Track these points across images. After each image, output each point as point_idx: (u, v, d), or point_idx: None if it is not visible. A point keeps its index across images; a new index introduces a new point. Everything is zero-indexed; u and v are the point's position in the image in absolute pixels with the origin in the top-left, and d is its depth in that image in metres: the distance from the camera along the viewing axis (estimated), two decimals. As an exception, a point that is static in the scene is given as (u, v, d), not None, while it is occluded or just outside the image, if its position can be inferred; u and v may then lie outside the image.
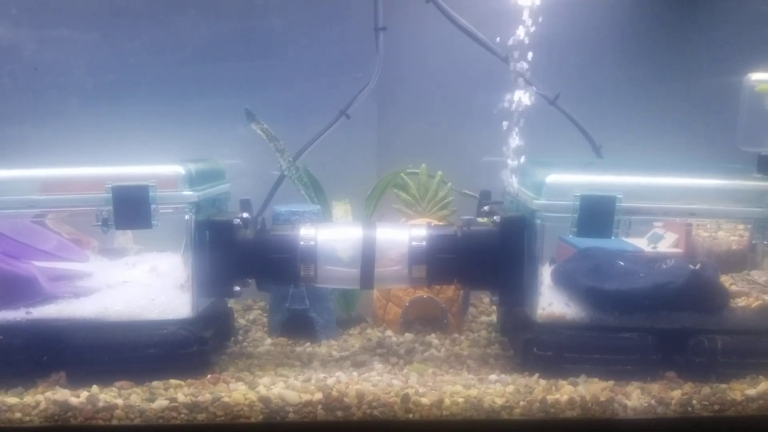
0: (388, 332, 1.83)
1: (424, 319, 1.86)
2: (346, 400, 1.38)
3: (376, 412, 1.38)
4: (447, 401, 1.39)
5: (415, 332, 1.83)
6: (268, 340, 1.80)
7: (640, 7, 2.17)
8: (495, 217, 1.60)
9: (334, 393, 1.38)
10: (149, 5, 2.03)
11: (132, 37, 2.02)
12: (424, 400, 1.39)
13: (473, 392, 1.42)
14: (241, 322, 1.94)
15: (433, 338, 1.79)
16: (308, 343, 1.78)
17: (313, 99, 2.08)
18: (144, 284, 1.66)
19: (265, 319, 1.97)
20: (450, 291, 1.83)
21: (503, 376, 1.53)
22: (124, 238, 1.83)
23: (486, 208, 1.71)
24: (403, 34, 2.04)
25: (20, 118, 2.00)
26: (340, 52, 2.06)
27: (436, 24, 1.96)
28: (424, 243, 1.58)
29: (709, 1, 2.19)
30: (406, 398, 1.38)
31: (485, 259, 1.58)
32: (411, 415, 1.38)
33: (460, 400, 1.39)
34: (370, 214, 1.94)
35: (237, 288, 1.61)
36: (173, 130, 1.99)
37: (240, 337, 1.83)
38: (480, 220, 1.65)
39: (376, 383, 1.47)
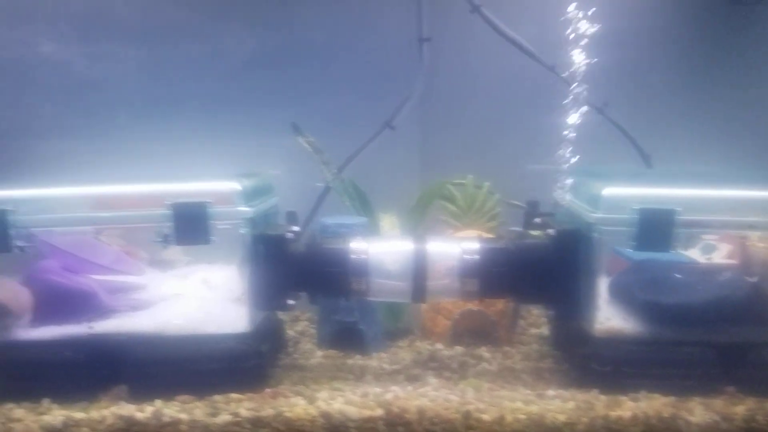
0: (438, 345, 1.82)
1: (474, 332, 1.85)
2: (407, 416, 1.37)
3: (437, 429, 1.37)
4: (508, 418, 1.38)
5: (465, 345, 1.82)
6: (319, 353, 1.80)
7: (691, 12, 2.15)
8: (549, 230, 1.60)
9: (395, 409, 1.38)
10: (195, 21, 2.06)
11: (178, 53, 2.06)
12: (485, 417, 1.38)
13: (534, 408, 1.41)
14: (290, 333, 1.95)
15: (484, 351, 1.78)
16: (358, 356, 1.79)
17: (356, 110, 2.09)
18: (197, 297, 1.67)
19: (312, 331, 1.97)
20: (500, 303, 1.83)
21: (561, 391, 1.52)
22: (173, 249, 1.86)
23: (537, 220, 1.71)
24: (447, 44, 2.05)
25: (72, 133, 2.04)
26: (384, 64, 2.07)
27: (481, 33, 1.96)
28: (477, 256, 1.58)
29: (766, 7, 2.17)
30: (467, 415, 1.38)
31: (539, 273, 1.57)
32: (472, 432, 1.40)
33: (522, 416, 1.38)
34: (415, 226, 1.95)
35: (290, 302, 1.63)
36: (219, 143, 2.00)
37: (290, 349, 1.83)
38: (532, 233, 1.65)
39: (433, 399, 1.46)
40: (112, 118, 2.06)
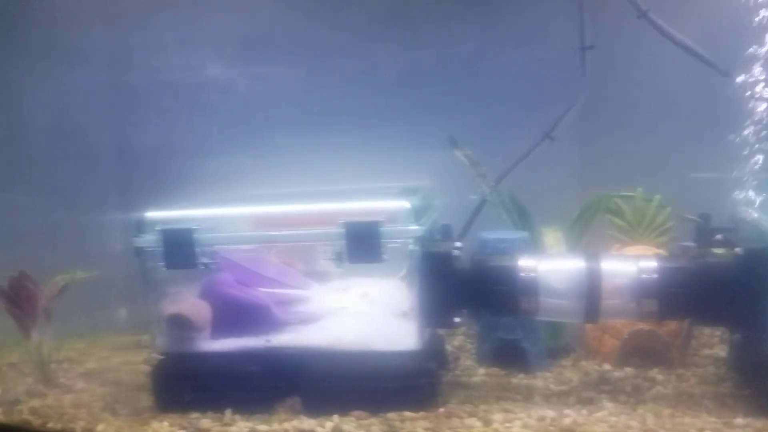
0: (606, 366, 1.75)
1: (644, 353, 1.77)
2: (590, 443, 1.34)
3: (622, 457, 1.33)
4: (700, 448, 1.32)
5: (635, 366, 1.74)
6: (481, 370, 1.78)
7: None
8: (737, 249, 1.50)
9: (577, 435, 1.35)
10: (350, 40, 2.11)
11: (334, 70, 2.11)
12: (675, 446, 1.33)
13: (726, 439, 1.34)
14: (448, 349, 1.92)
15: (657, 374, 1.70)
16: (521, 375, 1.75)
17: (512, 122, 2.07)
18: (360, 312, 1.71)
19: (470, 346, 1.95)
20: (673, 323, 1.73)
21: (751, 419, 1.41)
22: (326, 262, 1.91)
23: (719, 237, 1.61)
24: (610, 51, 1.96)
25: (235, 150, 2.14)
26: (541, 73, 2.03)
27: (647, 38, 1.87)
28: (655, 275, 1.51)
29: None
30: (655, 444, 1.32)
31: (724, 294, 1.47)
32: (661, 462, 1.33)
33: (715, 447, 1.31)
34: (576, 241, 1.89)
35: (457, 319, 1.62)
36: (373, 158, 2.02)
37: (451, 366, 1.81)
38: (715, 251, 1.55)
39: (613, 425, 1.41)
40: (272, 136, 2.14)
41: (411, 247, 1.53)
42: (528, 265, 1.55)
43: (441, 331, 1.86)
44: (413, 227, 1.52)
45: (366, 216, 1.52)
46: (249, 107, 2.15)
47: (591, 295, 1.52)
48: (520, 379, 1.72)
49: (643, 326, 1.74)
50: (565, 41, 1.93)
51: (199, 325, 1.62)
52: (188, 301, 1.62)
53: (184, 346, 1.62)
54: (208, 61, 2.16)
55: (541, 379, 1.72)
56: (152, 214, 1.62)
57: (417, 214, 1.55)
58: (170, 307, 1.63)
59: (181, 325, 1.62)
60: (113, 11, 2.10)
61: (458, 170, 1.91)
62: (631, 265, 1.52)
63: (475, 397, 1.61)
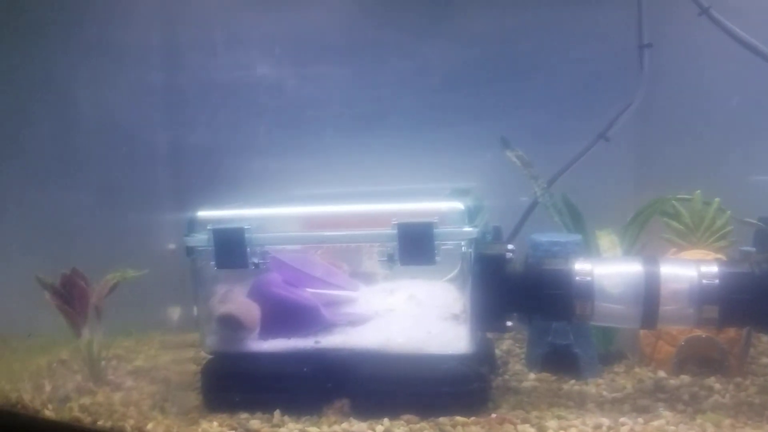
0: (660, 373, 1.70)
1: (700, 360, 1.71)
2: (650, 453, 1.30)
3: (683, 469, 1.29)
4: (767, 462, 1.27)
5: (691, 374, 1.69)
6: (531, 375, 1.74)
7: None
8: (804, 254, 1.45)
9: (637, 445, 1.31)
10: (400, 39, 2.09)
11: (383, 69, 2.09)
12: (740, 459, 1.28)
13: (794, 452, 1.29)
14: (496, 352, 1.90)
15: (714, 382, 1.64)
16: (573, 381, 1.71)
17: (565, 122, 2.02)
18: (410, 314, 1.69)
19: (518, 350, 1.92)
20: (731, 331, 1.68)
21: (818, 432, 1.38)
22: (371, 262, 1.89)
23: (784, 241, 1.56)
24: (669, 50, 1.92)
25: (283, 151, 2.13)
26: (596, 72, 1.99)
27: (708, 37, 1.83)
28: (717, 281, 1.46)
29: None
30: (719, 456, 1.28)
31: (790, 301, 1.44)
32: (724, 475, 1.28)
33: (783, 461, 1.27)
34: (631, 244, 1.84)
35: (509, 323, 1.59)
36: (423, 158, 2.01)
37: (500, 370, 1.79)
38: (781, 256, 1.50)
39: (672, 434, 1.38)
40: (321, 136, 2.14)
41: (464, 249, 1.50)
42: (584, 268, 1.51)
43: (490, 335, 1.86)
44: (467, 229, 1.50)
45: (419, 217, 1.50)
46: (298, 107, 2.14)
47: (648, 301, 1.47)
48: (571, 385, 1.68)
49: (700, 333, 1.69)
50: (623, 39, 1.90)
51: (249, 326, 1.61)
52: (238, 301, 1.62)
53: (234, 346, 1.62)
54: (257, 61, 2.16)
55: (594, 386, 1.67)
56: (203, 214, 1.63)
57: (471, 215, 1.52)
58: (220, 307, 1.63)
59: (231, 325, 1.62)
60: (166, 10, 2.11)
61: (508, 171, 1.87)
62: (691, 270, 1.47)
63: (526, 403, 1.58)
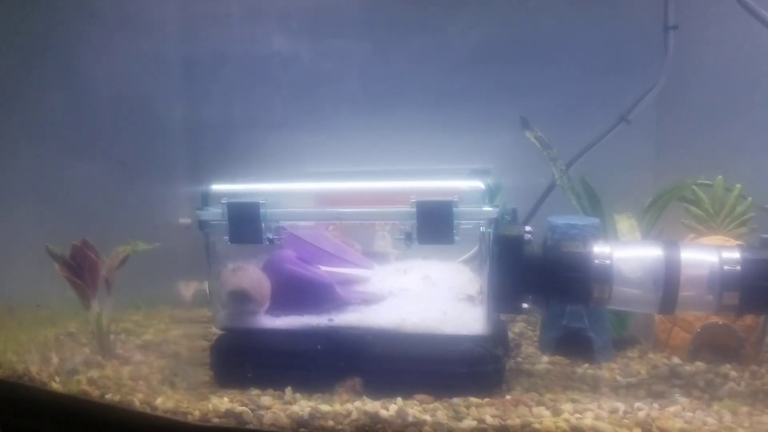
0: (675, 359, 1.68)
1: (716, 348, 1.69)
2: (668, 439, 1.29)
3: (702, 455, 1.28)
4: (786, 450, 1.26)
5: (706, 361, 1.67)
6: (544, 358, 1.73)
7: None
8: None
9: (655, 430, 1.28)
10: (420, 15, 2.04)
11: (402, 47, 2.05)
12: (759, 447, 1.27)
13: (815, 442, 1.27)
14: (509, 335, 1.90)
15: (729, 370, 1.62)
16: (587, 365, 1.69)
17: (586, 104, 1.99)
18: (424, 294, 1.67)
19: (531, 333, 1.91)
20: (749, 319, 1.66)
21: (837, 422, 1.36)
22: (384, 242, 1.87)
23: (808, 229, 1.54)
24: (695, 32, 1.88)
25: (297, 126, 2.10)
26: (619, 54, 1.95)
27: (735, 19, 1.77)
28: (738, 267, 1.44)
29: None
30: (738, 443, 1.26)
31: (813, 289, 1.42)
32: (743, 462, 1.27)
33: (804, 450, 1.25)
34: (649, 229, 1.82)
35: (525, 305, 1.57)
36: (440, 137, 1.99)
37: (513, 353, 1.77)
38: (804, 243, 1.48)
39: (689, 420, 1.35)
40: (337, 112, 2.11)
41: (483, 229, 1.48)
42: (603, 251, 1.49)
43: (503, 317, 1.84)
44: (487, 209, 1.47)
45: (438, 195, 1.47)
46: (313, 82, 2.11)
47: (668, 286, 1.45)
48: (584, 369, 1.66)
49: (717, 320, 1.67)
50: (648, 21, 1.86)
51: (259, 300, 1.59)
52: (248, 275, 1.60)
53: (244, 321, 1.61)
54: (274, 34, 2.12)
55: (607, 371, 1.66)
56: (217, 187, 1.60)
57: (492, 195, 1.50)
58: (231, 281, 1.61)
59: (240, 299, 1.59)
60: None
61: (526, 152, 1.84)
62: (712, 256, 1.45)
63: (539, 386, 1.56)
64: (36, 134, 2.14)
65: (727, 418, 1.38)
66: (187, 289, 1.99)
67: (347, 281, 1.67)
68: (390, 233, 1.64)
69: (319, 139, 2.07)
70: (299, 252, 1.65)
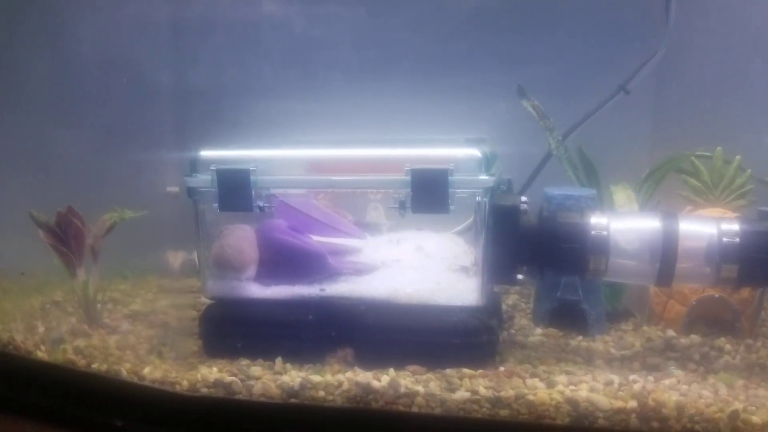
0: (670, 332, 1.67)
1: (711, 321, 1.68)
2: (664, 411, 1.26)
3: (697, 428, 1.25)
4: (783, 423, 1.24)
5: (701, 334, 1.65)
6: (538, 330, 1.71)
7: None
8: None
9: (651, 402, 1.27)
10: (415, -20, 2.00)
11: (396, 13, 1.99)
12: (755, 419, 1.23)
13: (811, 414, 1.26)
14: (503, 307, 1.88)
15: (725, 343, 1.60)
16: (580, 337, 1.67)
17: (582, 74, 1.95)
18: (417, 265, 1.64)
19: (524, 305, 1.89)
20: (745, 292, 1.65)
21: (833, 395, 1.35)
22: (376, 213, 1.84)
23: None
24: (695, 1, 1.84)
25: (289, 94, 2.04)
26: (618, 22, 1.90)
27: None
28: (737, 239, 1.42)
29: None
30: (734, 415, 1.23)
31: (812, 261, 1.40)
32: (738, 434, 1.26)
33: (801, 422, 1.24)
34: (646, 200, 1.79)
35: (520, 276, 1.54)
36: (435, 106, 1.93)
37: (507, 324, 1.75)
38: (804, 215, 1.46)
39: (684, 393, 1.33)
40: (329, 80, 2.06)
41: (478, 198, 1.45)
42: (600, 222, 1.46)
43: (497, 289, 1.82)
44: (483, 177, 1.44)
45: (434, 163, 1.44)
46: (305, 48, 2.06)
47: (665, 258, 1.43)
48: (578, 342, 1.65)
49: (713, 293, 1.66)
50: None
51: (238, 266, 1.55)
52: (229, 242, 1.56)
53: (232, 290, 1.56)
54: (263, -2, 2.07)
55: (601, 343, 1.64)
56: (206, 153, 1.56)
57: (488, 164, 1.46)
58: (212, 248, 1.57)
59: (219, 266, 1.56)
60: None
61: (522, 122, 1.81)
62: (711, 227, 1.42)
63: (533, 358, 1.54)
64: (21, 100, 2.07)
65: (723, 391, 1.36)
66: (175, 259, 1.96)
67: (339, 251, 1.64)
68: (383, 204, 1.61)
69: (311, 106, 2.02)
70: (291, 221, 1.61)
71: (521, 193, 1.89)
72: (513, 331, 1.73)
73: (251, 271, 1.58)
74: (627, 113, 1.89)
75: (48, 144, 2.05)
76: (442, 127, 1.79)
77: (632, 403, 1.28)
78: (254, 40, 2.08)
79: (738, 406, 1.26)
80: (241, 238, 1.59)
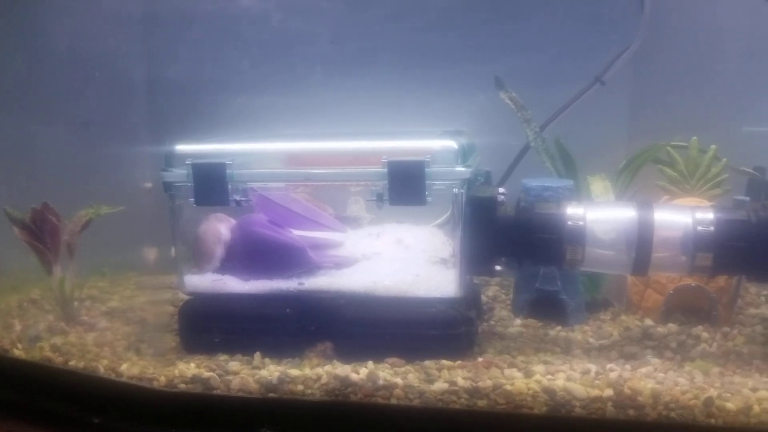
0: (647, 321, 1.68)
1: (688, 309, 1.69)
2: (639, 399, 1.27)
3: (673, 414, 1.26)
4: (756, 408, 1.24)
5: (679, 323, 1.67)
6: (517, 321, 1.71)
7: None
8: (800, 202, 1.42)
9: (627, 390, 1.28)
10: (394, -28, 1.98)
11: (376, 5, 1.98)
12: (729, 405, 1.25)
13: (784, 400, 1.28)
14: (483, 298, 1.87)
15: (701, 331, 1.62)
16: (559, 327, 1.68)
17: (560, 65, 1.94)
18: (397, 258, 1.64)
19: (504, 297, 1.89)
20: (721, 280, 1.66)
21: (805, 381, 1.37)
22: (357, 206, 1.83)
23: (780, 190, 1.53)
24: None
25: (269, 88, 2.02)
26: (594, 14, 1.90)
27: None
28: (712, 228, 1.43)
29: None
30: (709, 402, 1.25)
31: (786, 249, 1.41)
32: (713, 420, 1.25)
33: (773, 408, 1.25)
34: (623, 190, 1.80)
35: (498, 267, 1.54)
36: (413, 99, 1.93)
37: (486, 315, 1.75)
38: (775, 203, 1.47)
39: (660, 381, 1.34)
40: (308, 74, 2.04)
41: (456, 190, 1.45)
42: (576, 213, 1.46)
43: (476, 281, 1.82)
44: (460, 169, 1.44)
45: (410, 155, 1.43)
46: (284, 42, 2.03)
47: (641, 247, 1.43)
48: (557, 332, 1.66)
49: (689, 282, 1.67)
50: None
51: (198, 259, 1.55)
52: (194, 234, 1.57)
53: (206, 284, 1.56)
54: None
55: (580, 333, 1.65)
56: (182, 147, 1.55)
57: (465, 155, 1.47)
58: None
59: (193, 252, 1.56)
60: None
61: (501, 114, 1.81)
62: (686, 216, 1.43)
63: (512, 348, 1.55)
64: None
65: (699, 378, 1.38)
66: (150, 254, 1.95)
67: (319, 245, 1.63)
68: (363, 197, 1.61)
69: (289, 100, 2.00)
70: (271, 215, 1.60)
71: (500, 184, 1.89)
72: (493, 322, 1.74)
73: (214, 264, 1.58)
74: (604, 104, 1.89)
75: (22, 140, 2.02)
76: (422, 120, 1.80)
77: (608, 392, 1.29)
78: (233, 34, 2.05)
79: (713, 392, 1.27)
80: (200, 230, 1.59)
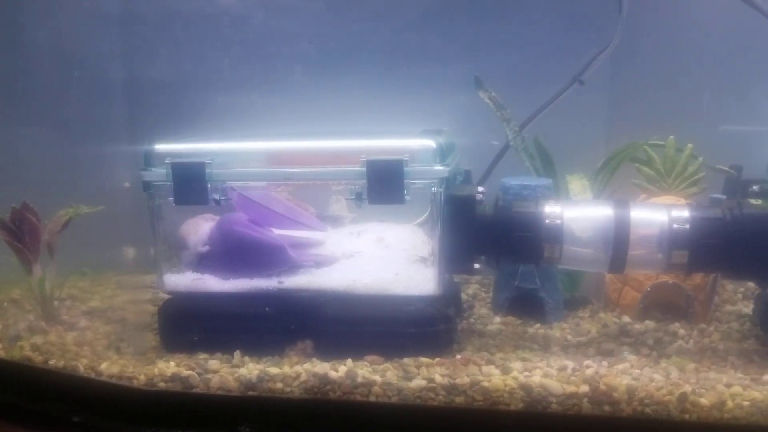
0: (625, 318, 1.70)
1: (665, 306, 1.71)
2: (615, 395, 1.28)
3: (648, 410, 1.27)
4: (730, 403, 1.25)
5: (656, 320, 1.69)
6: (497, 319, 1.73)
7: None
8: (773, 200, 1.44)
9: (602, 386, 1.29)
10: (372, -29, 1.99)
11: (355, 4, 1.98)
12: (703, 401, 1.26)
13: (756, 395, 1.27)
14: (462, 296, 1.88)
15: (678, 328, 1.64)
16: (538, 324, 1.70)
17: (538, 65, 1.95)
18: (377, 256, 1.64)
19: (484, 294, 1.91)
20: (698, 278, 1.68)
21: (780, 377, 1.39)
22: (339, 205, 1.84)
23: (756, 187, 1.54)
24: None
25: (248, 87, 2.03)
26: (573, 14, 1.92)
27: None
28: (687, 226, 1.45)
29: None
30: (683, 397, 1.26)
31: (760, 247, 1.41)
32: (687, 416, 1.26)
33: (745, 403, 1.25)
34: (601, 189, 1.82)
35: (477, 265, 1.56)
36: (393, 98, 1.93)
37: (466, 313, 1.77)
38: (753, 202, 1.48)
39: (636, 377, 1.36)
40: (288, 73, 2.04)
41: (434, 189, 1.46)
42: (553, 211, 1.47)
43: (456, 279, 1.83)
44: (438, 168, 1.45)
45: (389, 154, 1.44)
46: (264, 41, 2.03)
47: (617, 245, 1.45)
48: (536, 329, 1.67)
49: (666, 279, 1.69)
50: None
51: (192, 247, 1.55)
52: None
53: (186, 283, 1.55)
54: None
55: (558, 330, 1.67)
56: (161, 147, 1.55)
57: (443, 154, 1.47)
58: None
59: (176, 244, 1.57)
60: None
61: (481, 113, 1.82)
62: (662, 215, 1.45)
63: (491, 345, 1.56)
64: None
65: (674, 374, 1.39)
66: (130, 253, 1.94)
67: (300, 244, 1.63)
68: (345, 196, 1.62)
69: (270, 100, 2.00)
70: (251, 214, 1.60)
71: (480, 183, 1.90)
72: (472, 320, 1.75)
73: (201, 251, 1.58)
74: (583, 104, 1.91)
75: (0, 140, 2.01)
76: (402, 119, 1.80)
77: (584, 388, 1.30)
78: (214, 33, 2.05)
79: (687, 388, 1.29)
80: (199, 221, 1.59)
